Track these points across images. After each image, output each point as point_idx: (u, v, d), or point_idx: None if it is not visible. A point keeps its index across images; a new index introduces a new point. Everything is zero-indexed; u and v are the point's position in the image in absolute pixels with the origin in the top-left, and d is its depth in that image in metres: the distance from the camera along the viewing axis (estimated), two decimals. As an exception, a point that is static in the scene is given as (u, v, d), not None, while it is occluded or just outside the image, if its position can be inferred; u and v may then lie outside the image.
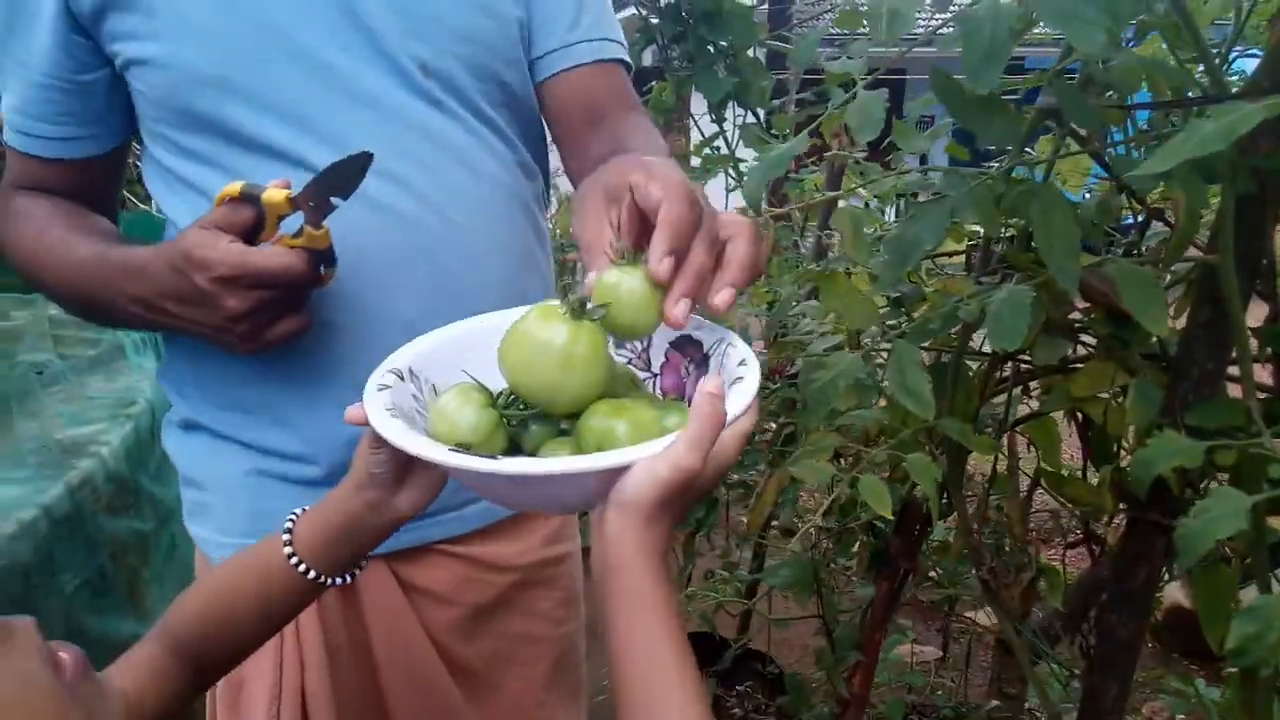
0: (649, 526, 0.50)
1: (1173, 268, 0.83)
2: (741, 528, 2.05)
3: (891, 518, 0.87)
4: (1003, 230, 0.88)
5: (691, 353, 0.63)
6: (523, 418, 0.58)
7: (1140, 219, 0.91)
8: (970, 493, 1.20)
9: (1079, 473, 1.09)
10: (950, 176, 0.71)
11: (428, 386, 0.62)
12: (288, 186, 0.73)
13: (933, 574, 1.50)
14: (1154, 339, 0.90)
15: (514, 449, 0.59)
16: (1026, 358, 1.00)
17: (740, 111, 2.48)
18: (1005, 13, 0.60)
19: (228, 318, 0.72)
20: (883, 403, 0.97)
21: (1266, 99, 0.57)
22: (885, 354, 0.88)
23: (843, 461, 1.11)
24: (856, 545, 1.30)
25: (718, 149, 2.41)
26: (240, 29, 0.78)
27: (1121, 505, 0.91)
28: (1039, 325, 0.80)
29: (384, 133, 0.82)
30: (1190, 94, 0.73)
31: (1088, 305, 0.84)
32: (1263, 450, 0.66)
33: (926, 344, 1.04)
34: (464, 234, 0.86)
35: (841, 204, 0.82)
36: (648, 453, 0.49)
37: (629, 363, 0.65)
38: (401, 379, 0.61)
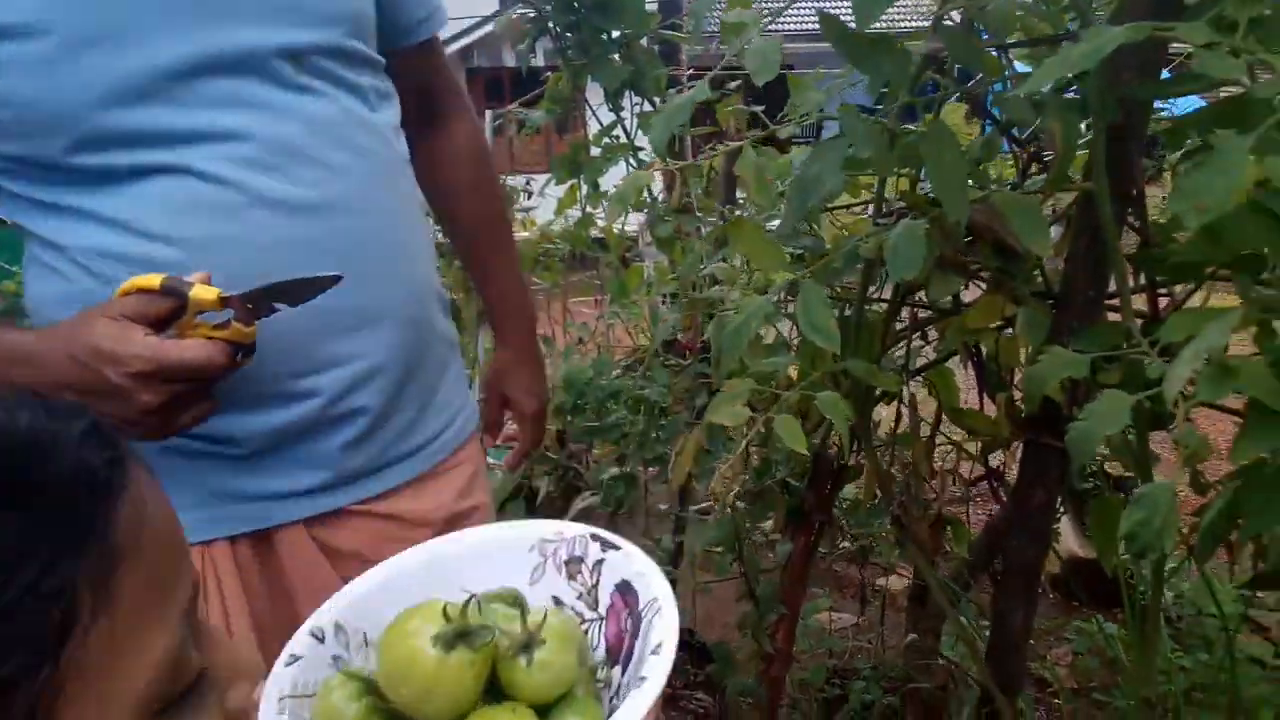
0: None
1: (1055, 208, 0.88)
2: (660, 508, 2.07)
3: (806, 452, 0.90)
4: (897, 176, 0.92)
5: (630, 603, 0.58)
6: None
7: (1022, 163, 0.96)
8: (878, 441, 1.25)
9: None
10: (847, 117, 0.74)
11: (358, 638, 0.58)
12: (209, 280, 0.72)
13: (845, 527, 1.55)
14: (1039, 275, 0.95)
15: None
16: (922, 300, 1.05)
17: (637, 100, 2.50)
18: (887, -52, 0.62)
19: (142, 412, 0.70)
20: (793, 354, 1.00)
21: (1127, 26, 0.62)
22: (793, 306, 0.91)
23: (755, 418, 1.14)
24: (773, 509, 1.33)
25: (617, 137, 2.43)
26: (88, 60, 0.73)
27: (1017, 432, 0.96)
28: (933, 261, 0.84)
29: (262, 128, 0.80)
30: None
31: (973, 239, 0.88)
32: (1143, 356, 0.71)
33: (831, 295, 1.07)
34: (357, 215, 0.86)
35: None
36: None
37: (579, 597, 0.61)
38: (321, 640, 0.57)
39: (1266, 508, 0.73)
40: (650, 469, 1.86)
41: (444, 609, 0.51)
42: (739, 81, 2.04)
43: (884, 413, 1.36)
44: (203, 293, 0.71)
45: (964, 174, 0.73)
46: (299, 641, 0.56)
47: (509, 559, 0.61)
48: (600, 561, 0.60)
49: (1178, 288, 0.97)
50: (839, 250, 0.82)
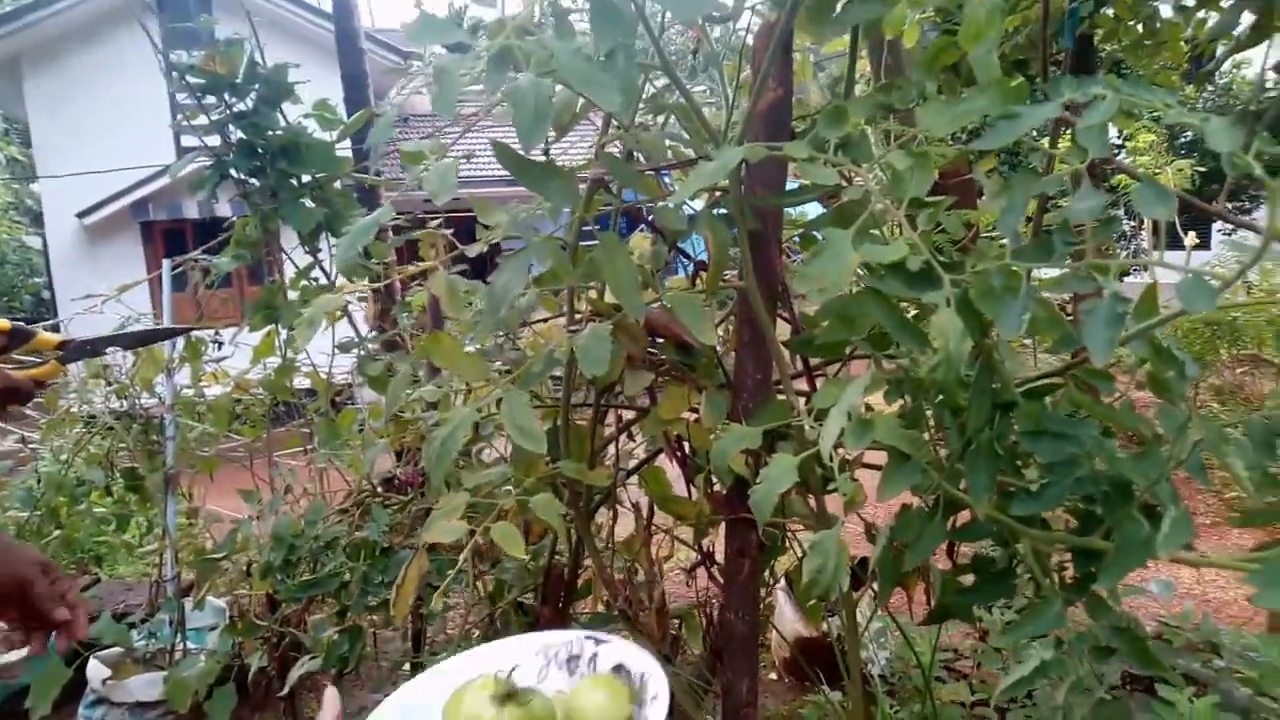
0: None
1: (722, 301, 0.99)
2: (394, 656, 1.94)
3: (524, 558, 0.91)
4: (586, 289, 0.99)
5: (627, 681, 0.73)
6: None
7: (691, 273, 1.08)
8: (603, 545, 1.29)
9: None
10: (525, 231, 0.80)
11: None
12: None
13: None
14: (720, 368, 1.06)
15: None
16: (625, 404, 1.12)
17: (334, 242, 2.49)
18: (543, 85, 0.70)
19: None
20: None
21: (747, 145, 0.74)
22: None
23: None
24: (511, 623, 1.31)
25: (316, 279, 2.38)
26: None
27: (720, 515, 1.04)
28: (623, 361, 0.91)
29: None
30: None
31: (660, 340, 0.97)
32: (802, 424, 0.81)
33: (538, 405, 1.11)
34: None
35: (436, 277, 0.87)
36: None
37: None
38: None
39: (919, 542, 0.85)
40: (378, 615, 1.75)
41: (495, 677, 0.66)
42: (439, 220, 2.11)
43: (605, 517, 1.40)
44: (46, 337, 0.87)
45: (635, 278, 0.82)
46: None
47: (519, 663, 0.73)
48: (595, 655, 0.75)
49: (832, 368, 1.12)
50: (537, 356, 0.87)
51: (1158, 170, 6.65)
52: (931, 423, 0.82)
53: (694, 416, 1.01)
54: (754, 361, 0.96)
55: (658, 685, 0.69)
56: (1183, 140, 8.58)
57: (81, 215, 9.84)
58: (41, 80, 9.92)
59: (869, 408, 1.03)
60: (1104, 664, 0.78)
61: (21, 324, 0.85)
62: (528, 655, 0.75)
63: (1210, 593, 3.82)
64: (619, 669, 0.74)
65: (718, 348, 1.04)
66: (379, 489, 1.87)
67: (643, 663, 0.72)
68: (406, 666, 2.08)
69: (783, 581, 3.16)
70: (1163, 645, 2.18)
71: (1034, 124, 0.60)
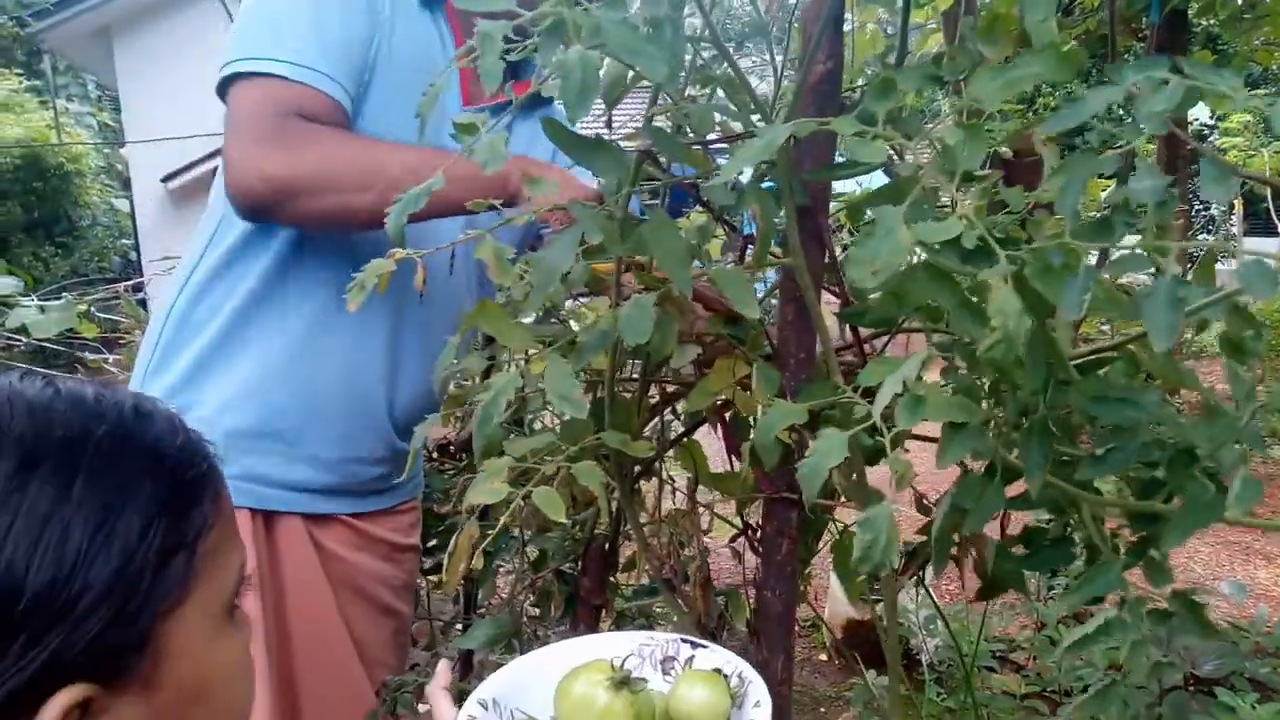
0: None
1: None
2: (446, 616, 2.00)
3: (566, 524, 0.92)
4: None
5: None
6: None
7: (739, 246, 1.08)
8: (648, 518, 1.30)
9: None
10: (575, 207, 0.80)
11: (507, 712, 0.73)
12: None
13: (628, 612, 1.57)
14: (769, 344, 1.05)
15: None
16: (669, 378, 1.12)
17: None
18: (590, 57, 0.70)
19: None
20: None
21: (794, 122, 0.73)
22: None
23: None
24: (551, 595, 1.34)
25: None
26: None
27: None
28: (672, 336, 0.91)
29: None
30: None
31: (710, 313, 0.97)
32: (851, 401, 0.80)
33: (587, 379, 1.13)
34: None
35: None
36: None
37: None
38: (486, 708, 0.71)
39: (979, 506, 0.84)
40: (430, 579, 1.81)
41: (610, 664, 0.69)
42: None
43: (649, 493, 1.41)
44: None
45: (685, 253, 0.82)
46: (473, 705, 0.70)
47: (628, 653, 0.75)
48: (691, 658, 0.77)
49: (879, 340, 1.11)
50: (586, 330, 0.88)
51: (1252, 153, 6.32)
52: (986, 391, 0.81)
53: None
54: (798, 338, 0.96)
55: (759, 691, 0.70)
56: (1282, 121, 8.13)
57: (166, 179, 10.19)
58: (131, 49, 10.26)
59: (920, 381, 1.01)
60: (1162, 628, 0.76)
61: None
62: (623, 651, 0.75)
63: (1288, 595, 3.67)
64: (717, 672, 0.74)
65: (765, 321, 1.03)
66: (434, 454, 1.92)
67: (741, 668, 0.73)
68: (459, 627, 2.14)
69: (834, 562, 3.14)
70: (1229, 648, 2.11)
71: (1098, 108, 0.58)
